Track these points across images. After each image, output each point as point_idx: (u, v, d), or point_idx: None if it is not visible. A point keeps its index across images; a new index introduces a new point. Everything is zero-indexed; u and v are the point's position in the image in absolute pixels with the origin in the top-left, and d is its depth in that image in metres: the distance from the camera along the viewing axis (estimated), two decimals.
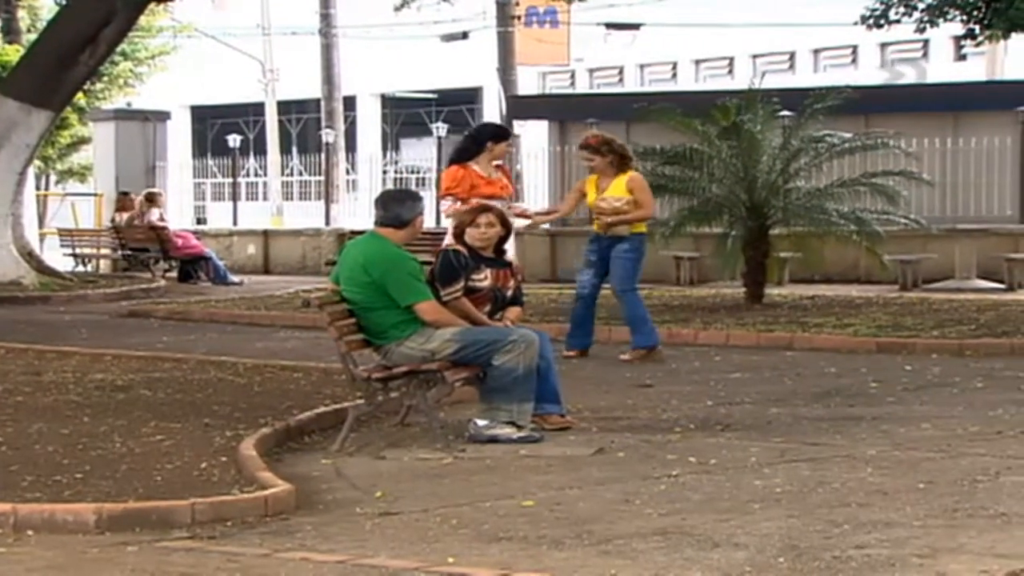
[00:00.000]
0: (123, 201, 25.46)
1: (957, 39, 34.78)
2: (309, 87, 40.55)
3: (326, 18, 37.67)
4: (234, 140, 31.25)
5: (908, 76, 36.06)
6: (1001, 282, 19.96)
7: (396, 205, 8.84)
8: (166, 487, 7.16)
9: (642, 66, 47.31)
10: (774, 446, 8.30)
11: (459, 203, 11.91)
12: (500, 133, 12.70)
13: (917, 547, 5.95)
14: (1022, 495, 6.83)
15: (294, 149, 48.70)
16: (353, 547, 6.21)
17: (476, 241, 9.18)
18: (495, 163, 12.38)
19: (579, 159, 12.82)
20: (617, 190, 12.47)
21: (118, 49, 26.61)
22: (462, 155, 12.27)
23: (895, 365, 11.60)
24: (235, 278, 23.06)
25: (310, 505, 7.03)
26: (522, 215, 12.87)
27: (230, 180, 32.58)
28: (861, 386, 10.73)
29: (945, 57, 40.17)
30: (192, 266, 23.47)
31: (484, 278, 9.15)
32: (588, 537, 6.26)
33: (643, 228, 12.73)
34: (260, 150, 44.40)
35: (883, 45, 41.11)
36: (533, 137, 32.57)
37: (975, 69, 34.14)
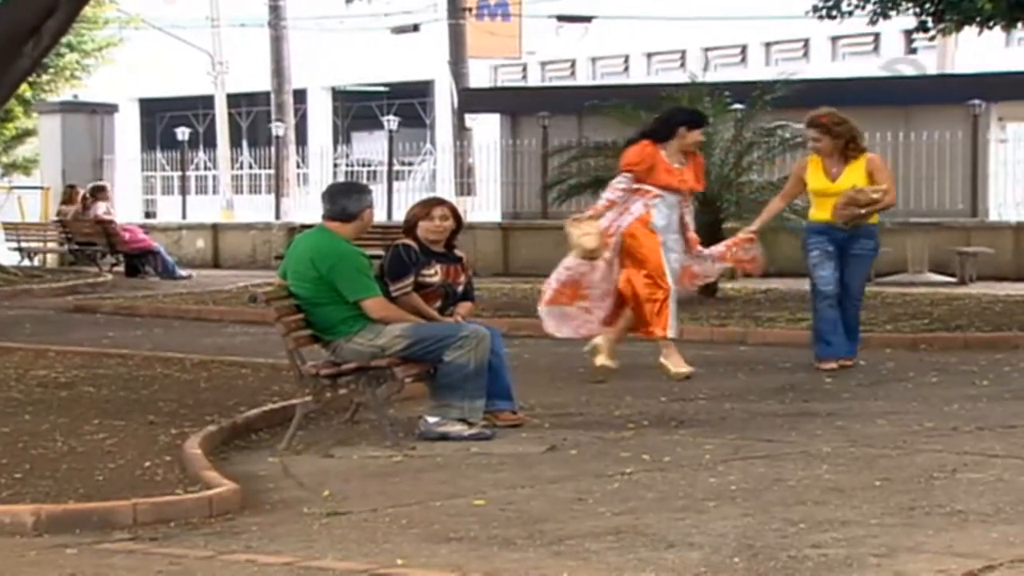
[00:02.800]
0: (70, 195, 25.18)
1: (908, 32, 34.90)
2: (259, 80, 40.27)
3: (276, 10, 37.40)
4: (183, 133, 30.98)
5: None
6: (953, 276, 19.99)
7: (343, 198, 8.70)
8: (108, 487, 7.01)
9: (594, 59, 47.30)
10: (729, 443, 8.21)
11: (627, 184, 10.93)
12: (695, 119, 11.34)
13: (874, 546, 5.87)
14: (979, 492, 6.76)
15: (244, 142, 48.38)
16: (300, 548, 6.09)
17: (430, 234, 9.05)
18: (687, 152, 11.16)
19: (806, 139, 11.52)
20: (856, 176, 11.12)
21: (64, 41, 26.34)
22: (650, 136, 11.13)
23: None
24: (183, 272, 22.84)
25: (256, 505, 6.90)
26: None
27: (179, 173, 32.29)
28: (816, 381, 10.66)
29: (896, 51, 40.32)
30: (140, 260, 23.22)
31: (434, 273, 9.03)
32: (540, 537, 6.15)
33: (876, 218, 11.44)
34: (210, 143, 44.10)
35: (834, 39, 41.23)
36: (485, 131, 32.48)
37: (926, 63, 34.26)
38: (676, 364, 10.88)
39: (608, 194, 11.02)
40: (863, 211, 11.08)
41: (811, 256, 11.20)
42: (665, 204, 10.96)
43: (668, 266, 10.89)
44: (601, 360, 10.94)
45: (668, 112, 11.77)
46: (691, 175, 11.11)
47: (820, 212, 11.28)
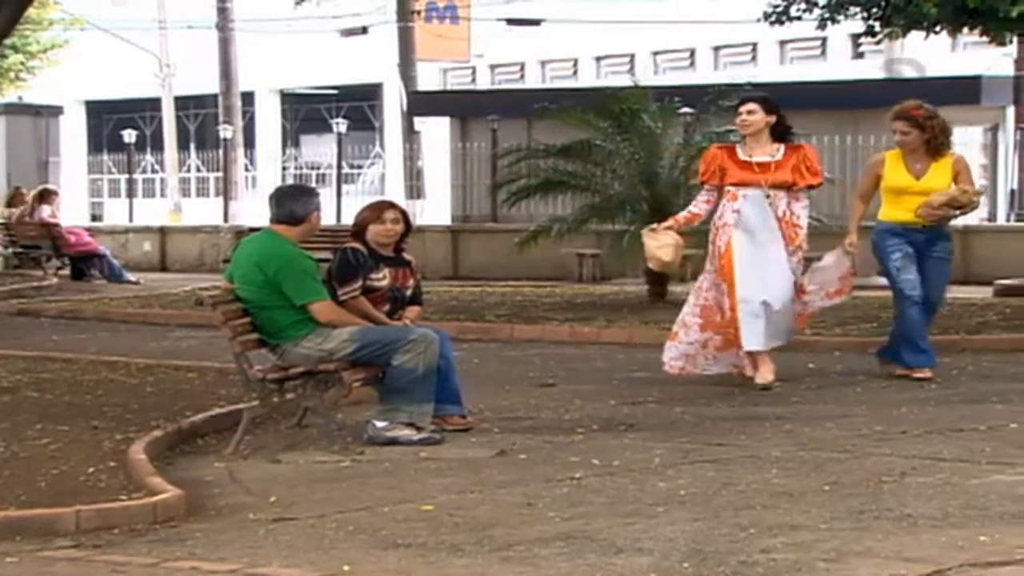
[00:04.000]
0: (15, 197, 24.94)
1: (855, 37, 35.04)
2: (207, 82, 40.05)
3: (223, 12, 37.22)
4: (130, 136, 30.78)
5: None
6: None
7: (290, 201, 8.63)
8: (51, 493, 6.91)
9: (543, 62, 47.29)
10: (678, 446, 8.19)
11: (707, 196, 10.53)
12: (740, 102, 10.74)
13: (823, 551, 5.85)
14: (927, 496, 6.75)
15: (192, 145, 48.15)
16: (245, 555, 6.02)
17: (380, 238, 8.99)
18: (791, 146, 10.47)
19: (892, 130, 10.67)
20: (942, 175, 10.49)
21: (8, 42, 26.06)
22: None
23: (799, 363, 11.54)
24: (131, 276, 22.66)
25: (201, 511, 6.82)
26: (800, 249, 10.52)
27: (126, 176, 32.08)
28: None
29: (843, 55, 40.51)
30: (85, 264, 23.02)
31: (383, 277, 8.97)
32: (489, 543, 6.11)
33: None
34: (157, 146, 43.87)
35: (782, 43, 41.39)
36: (434, 134, 32.42)
37: (873, 67, 34.40)
38: (761, 374, 10.27)
39: (692, 208, 10.75)
40: (958, 213, 10.63)
41: (893, 259, 10.48)
42: (749, 203, 10.36)
43: (749, 270, 10.22)
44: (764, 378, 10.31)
45: None
46: (786, 168, 10.37)
47: (897, 211, 10.54)
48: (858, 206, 10.88)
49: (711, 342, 10.51)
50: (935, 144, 10.47)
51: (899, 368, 10.56)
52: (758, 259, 10.27)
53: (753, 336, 10.21)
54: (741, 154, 10.44)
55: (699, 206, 10.67)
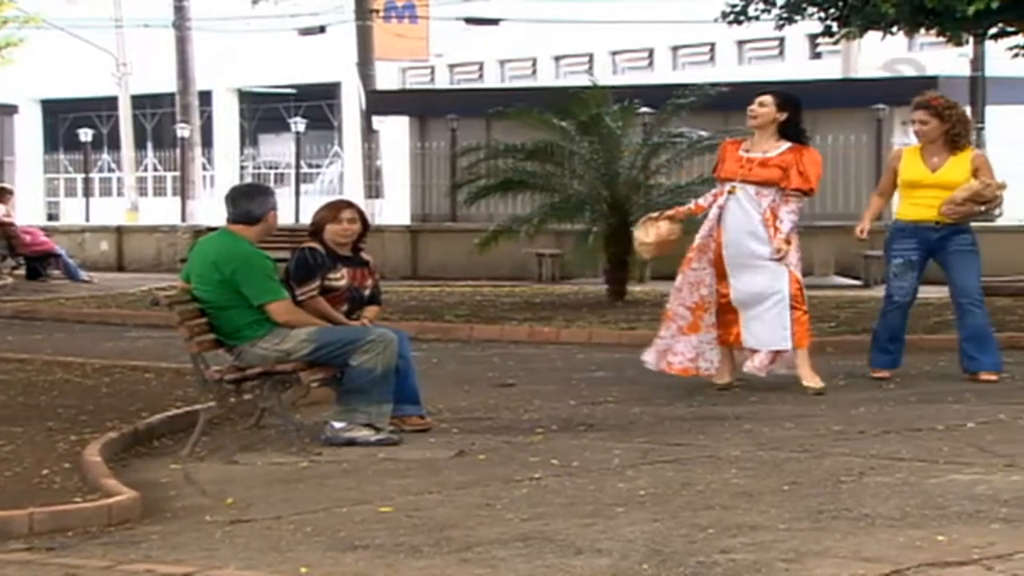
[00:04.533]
0: None
1: (812, 37, 35.16)
2: (164, 81, 39.86)
3: (180, 11, 37.00)
4: (86, 135, 30.59)
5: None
6: (858, 279, 20.14)
7: (246, 201, 8.57)
8: (3, 495, 6.84)
9: (502, 62, 47.30)
10: (637, 447, 8.17)
11: (718, 188, 10.13)
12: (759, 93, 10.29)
13: (782, 551, 5.84)
14: (886, 496, 6.76)
15: (149, 144, 47.93)
16: (201, 557, 5.96)
17: (338, 237, 8.95)
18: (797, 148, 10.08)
19: (911, 121, 10.39)
20: (959, 169, 10.13)
21: None
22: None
23: None
24: (85, 276, 22.51)
25: (157, 513, 6.75)
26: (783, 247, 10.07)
27: (83, 175, 31.89)
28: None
29: (801, 55, 40.67)
30: (41, 263, 22.85)
31: (341, 277, 8.92)
32: (447, 544, 6.07)
33: None
34: (114, 145, 43.64)
35: (740, 43, 41.51)
36: (393, 133, 32.35)
37: (830, 67, 34.56)
38: (805, 376, 9.94)
39: (699, 199, 10.46)
40: (983, 209, 10.24)
41: (892, 263, 10.29)
42: (734, 198, 10.05)
43: (738, 271, 10.00)
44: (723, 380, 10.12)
45: None
46: (774, 167, 9.97)
47: (911, 208, 10.24)
48: (875, 201, 10.76)
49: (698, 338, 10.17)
50: (953, 135, 10.14)
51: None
52: (740, 256, 10.05)
53: (750, 336, 10.02)
54: (741, 148, 10.15)
55: (705, 198, 10.40)
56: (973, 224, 10.54)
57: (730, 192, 10.07)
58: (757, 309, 10.03)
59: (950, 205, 10.09)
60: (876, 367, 10.47)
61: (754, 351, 10.06)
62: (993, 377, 10.14)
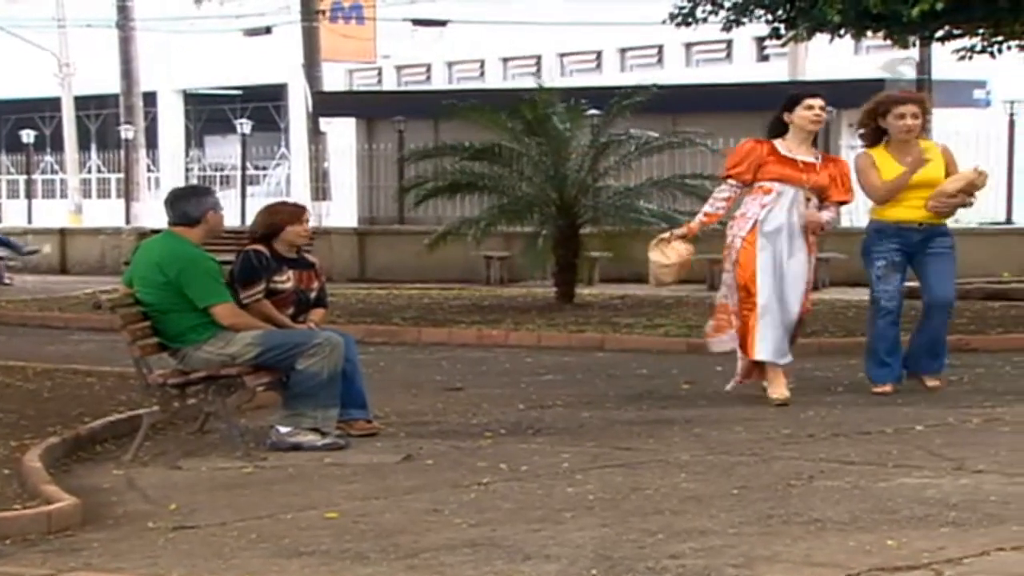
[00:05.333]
0: None
1: (760, 40, 35.26)
2: (108, 82, 39.55)
3: (123, 11, 36.70)
4: (28, 136, 30.30)
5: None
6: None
7: (182, 203, 8.48)
8: None
9: (450, 64, 47.23)
10: (586, 451, 8.12)
11: (730, 193, 9.64)
12: (797, 97, 9.74)
13: (732, 556, 5.80)
14: (835, 500, 6.73)
15: (93, 146, 47.57)
16: (143, 565, 5.88)
17: (299, 239, 8.89)
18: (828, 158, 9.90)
19: (899, 115, 9.72)
20: (938, 166, 9.70)
21: None
22: (769, 131, 9.80)
23: (706, 366, 11.52)
24: (7, 279, 22.29)
25: (99, 520, 6.65)
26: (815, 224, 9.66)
27: (25, 177, 31.59)
28: (673, 388, 10.63)
29: (748, 58, 40.81)
30: None
31: (287, 279, 8.83)
32: (394, 551, 6.00)
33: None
34: (57, 146, 43.26)
35: (688, 45, 41.60)
36: (340, 135, 32.22)
37: (778, 70, 34.68)
38: (777, 389, 9.55)
39: (706, 207, 9.78)
40: (972, 201, 9.77)
41: (876, 266, 9.75)
42: (782, 201, 9.60)
43: (770, 277, 9.53)
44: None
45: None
46: (825, 174, 9.66)
47: (893, 209, 9.74)
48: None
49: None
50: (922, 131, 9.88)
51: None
52: (780, 264, 9.58)
53: (767, 346, 9.54)
54: (782, 150, 9.61)
55: (716, 205, 9.72)
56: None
57: (777, 194, 9.57)
58: (785, 321, 9.60)
59: (940, 199, 9.64)
60: (878, 382, 9.85)
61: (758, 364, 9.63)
62: (937, 383, 9.90)
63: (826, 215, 9.72)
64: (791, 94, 9.95)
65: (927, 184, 9.72)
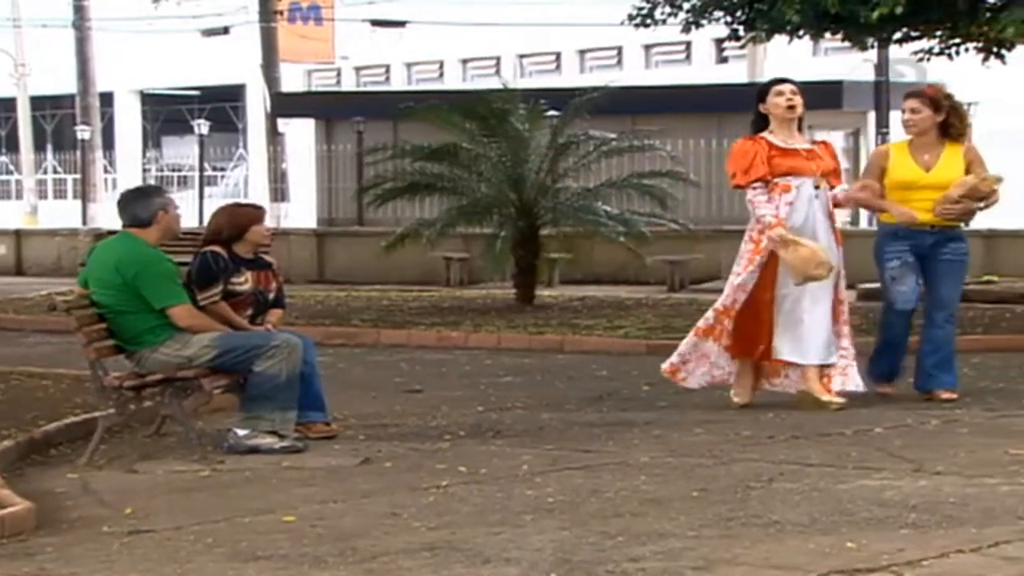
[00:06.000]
0: None
1: (719, 42, 35.38)
2: (64, 82, 39.31)
3: (80, 10, 36.49)
4: None
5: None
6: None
7: (131, 205, 8.42)
8: None
9: (409, 65, 47.21)
10: (546, 453, 8.09)
11: (765, 193, 9.22)
12: (766, 87, 9.53)
13: (692, 559, 5.77)
14: (795, 502, 6.72)
15: (49, 146, 47.28)
16: (98, 569, 5.81)
17: (263, 239, 8.84)
18: (810, 137, 9.64)
19: (901, 110, 9.54)
20: (954, 166, 9.30)
21: None
22: (752, 128, 9.47)
23: None
24: None
25: (52, 524, 6.57)
26: (841, 204, 9.59)
27: None
28: (633, 390, 10.61)
29: (707, 60, 40.93)
30: None
31: (244, 281, 8.77)
32: (352, 554, 5.95)
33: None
34: (12, 147, 43.00)
35: (647, 47, 41.70)
36: (299, 136, 32.12)
37: (737, 72, 34.79)
38: (817, 390, 9.25)
39: (771, 209, 9.22)
40: (981, 205, 9.27)
41: (889, 267, 9.36)
42: (802, 195, 9.30)
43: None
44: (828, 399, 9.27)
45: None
46: (828, 156, 9.44)
47: (886, 211, 9.46)
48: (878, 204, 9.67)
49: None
50: (947, 128, 9.33)
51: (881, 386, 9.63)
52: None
53: (791, 347, 9.29)
54: (778, 142, 9.31)
55: (771, 206, 9.23)
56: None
57: (796, 188, 9.25)
58: (810, 320, 9.28)
59: (945, 204, 9.23)
60: (880, 381, 9.62)
61: (790, 364, 9.36)
62: (953, 396, 9.44)
63: (842, 194, 9.53)
64: (760, 85, 9.81)
65: (940, 186, 9.32)
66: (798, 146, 9.37)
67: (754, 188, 9.29)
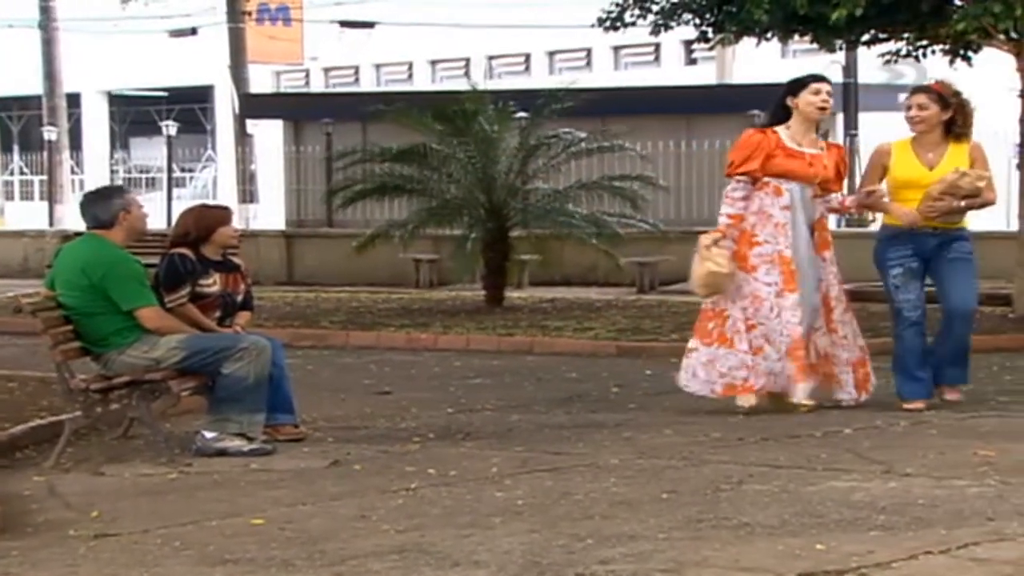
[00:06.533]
0: None
1: (688, 43, 35.40)
2: (30, 83, 39.09)
3: (46, 11, 36.26)
4: None
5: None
6: None
7: (92, 206, 8.38)
8: None
9: (378, 66, 47.12)
10: (516, 455, 8.07)
11: (744, 191, 9.01)
12: (801, 81, 9.17)
13: (662, 561, 5.76)
14: (764, 504, 6.71)
15: (15, 147, 47.02)
16: (64, 573, 5.76)
17: (231, 240, 8.79)
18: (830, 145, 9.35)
19: (907, 107, 9.09)
20: (957, 163, 8.98)
21: None
22: (771, 118, 9.24)
23: (636, 369, 11.53)
24: None
25: (18, 527, 6.52)
26: (838, 210, 9.49)
27: None
28: (603, 391, 10.60)
29: (676, 61, 40.98)
30: None
31: (212, 283, 8.72)
32: (321, 557, 5.92)
33: (967, 221, 9.26)
34: None
35: (616, 48, 41.72)
36: (267, 137, 32.03)
37: (706, 73, 34.83)
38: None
39: (728, 209, 9.09)
40: (962, 204, 8.93)
41: (891, 275, 9.06)
42: (795, 200, 9.08)
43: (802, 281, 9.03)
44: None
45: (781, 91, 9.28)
46: (832, 165, 9.16)
47: (884, 212, 9.22)
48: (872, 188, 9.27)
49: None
50: (954, 127, 8.99)
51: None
52: (803, 269, 9.13)
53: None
54: (787, 141, 9.05)
55: (737, 205, 9.06)
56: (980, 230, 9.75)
57: (788, 192, 9.04)
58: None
59: (927, 202, 8.93)
60: (910, 398, 9.17)
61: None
62: (957, 396, 9.24)
63: (850, 199, 9.37)
64: (795, 78, 9.30)
65: None
66: (806, 150, 9.10)
67: (738, 181, 9.09)
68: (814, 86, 9.10)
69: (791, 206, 9.08)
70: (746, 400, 9.24)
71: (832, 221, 27.15)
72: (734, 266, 9.06)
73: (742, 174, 9.06)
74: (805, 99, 9.07)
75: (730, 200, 9.11)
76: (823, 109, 9.12)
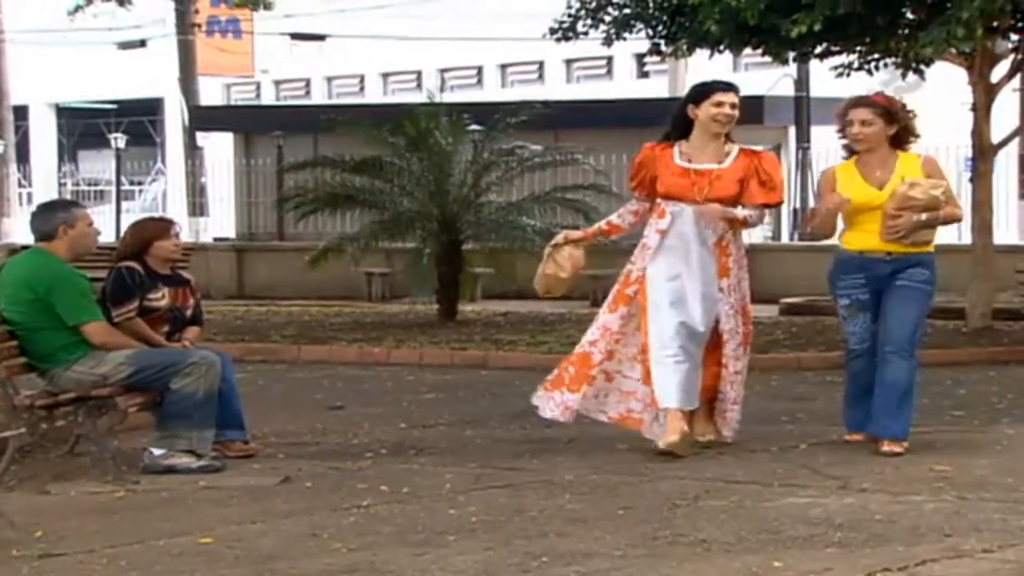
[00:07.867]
0: None
1: (640, 56, 35.46)
2: None
3: None
4: None
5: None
6: None
7: (36, 219, 8.29)
8: None
9: (329, 79, 47.02)
10: (470, 471, 7.97)
11: (637, 207, 8.49)
12: (704, 89, 8.34)
13: None
14: (721, 520, 6.64)
15: None
16: None
17: (170, 254, 8.66)
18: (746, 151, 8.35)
19: (848, 122, 8.27)
20: (910, 176, 8.17)
21: None
22: (672, 131, 8.43)
23: None
24: None
25: None
26: (742, 224, 8.36)
27: None
28: None
29: (628, 75, 41.06)
30: None
31: (162, 297, 8.60)
32: None
33: (932, 246, 8.40)
34: None
35: (568, 61, 41.75)
36: (218, 149, 31.87)
37: (658, 87, 34.90)
38: (665, 434, 8.23)
39: (613, 217, 8.67)
40: (924, 218, 8.08)
41: (840, 305, 8.37)
42: (679, 222, 8.33)
43: (666, 308, 8.30)
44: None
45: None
46: (729, 180, 8.24)
47: (856, 236, 8.26)
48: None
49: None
50: (899, 138, 8.26)
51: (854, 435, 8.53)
52: (681, 295, 8.33)
53: (668, 389, 8.27)
54: (678, 158, 8.31)
55: (623, 216, 8.57)
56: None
57: (671, 214, 8.34)
58: (687, 359, 8.29)
59: (887, 223, 8.13)
60: (850, 429, 8.54)
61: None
62: (896, 448, 8.13)
63: (741, 212, 8.34)
64: (699, 84, 8.49)
65: None
66: (698, 166, 8.27)
67: (636, 198, 8.53)
68: (717, 97, 8.27)
69: (667, 230, 8.34)
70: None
71: (784, 235, 27.28)
72: (574, 272, 8.68)
73: (634, 189, 8.52)
74: (706, 110, 8.25)
75: (620, 210, 8.69)
76: (723, 122, 8.28)
